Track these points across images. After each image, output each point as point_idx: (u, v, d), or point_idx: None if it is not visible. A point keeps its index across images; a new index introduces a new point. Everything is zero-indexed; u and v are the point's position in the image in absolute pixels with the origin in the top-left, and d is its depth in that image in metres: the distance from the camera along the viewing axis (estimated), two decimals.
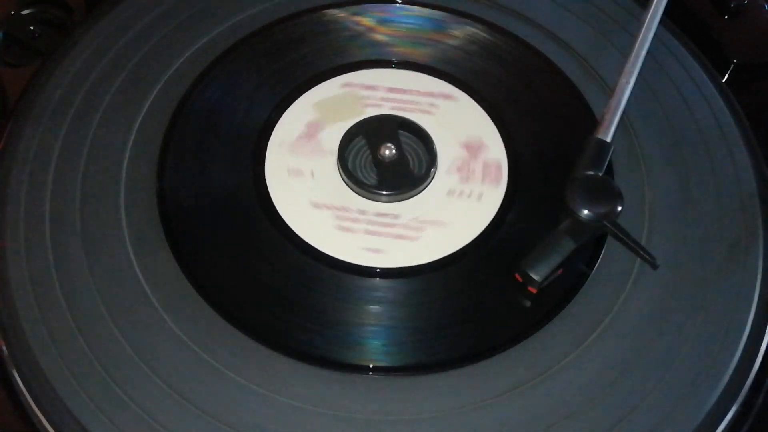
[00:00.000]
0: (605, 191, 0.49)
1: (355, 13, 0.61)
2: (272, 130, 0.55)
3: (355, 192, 0.53)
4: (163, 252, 0.49)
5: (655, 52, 0.58)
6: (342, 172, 0.53)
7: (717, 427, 0.46)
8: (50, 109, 0.55)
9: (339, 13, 0.61)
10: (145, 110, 0.55)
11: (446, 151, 0.55)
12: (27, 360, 0.46)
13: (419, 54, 0.59)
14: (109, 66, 0.57)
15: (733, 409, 0.46)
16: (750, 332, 0.48)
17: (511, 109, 0.57)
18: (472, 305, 0.48)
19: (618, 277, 0.49)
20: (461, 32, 0.60)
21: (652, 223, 0.52)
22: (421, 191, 0.53)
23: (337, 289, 0.49)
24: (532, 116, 0.56)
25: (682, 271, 0.50)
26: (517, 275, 0.48)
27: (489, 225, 0.51)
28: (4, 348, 0.47)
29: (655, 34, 0.57)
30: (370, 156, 0.54)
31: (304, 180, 0.53)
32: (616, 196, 0.48)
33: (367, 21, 0.60)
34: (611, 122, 0.52)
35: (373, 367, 0.46)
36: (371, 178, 0.53)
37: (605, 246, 0.50)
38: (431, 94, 0.57)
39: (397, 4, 0.61)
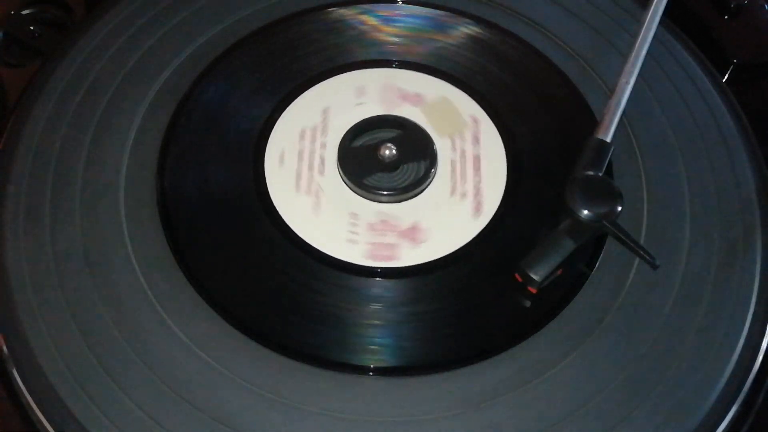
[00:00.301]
0: (605, 191, 0.49)
1: (356, 13, 0.61)
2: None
3: (356, 192, 0.53)
4: (164, 252, 0.49)
5: (655, 52, 0.58)
6: (342, 173, 0.53)
7: (717, 427, 0.46)
8: (50, 109, 0.55)
9: (339, 13, 0.61)
10: (145, 110, 0.55)
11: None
12: (27, 360, 0.46)
13: (419, 54, 0.59)
14: (108, 66, 0.57)
15: (733, 409, 0.46)
16: (750, 332, 0.48)
17: (511, 108, 0.57)
18: (472, 305, 0.48)
19: (618, 277, 0.49)
20: (461, 32, 0.60)
21: (652, 223, 0.52)
22: (420, 191, 0.53)
23: (338, 289, 0.49)
24: (532, 116, 0.56)
25: (682, 271, 0.50)
26: (517, 275, 0.48)
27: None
28: (4, 348, 0.47)
29: (655, 34, 0.57)
30: (371, 156, 0.54)
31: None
32: (616, 197, 0.48)
33: (367, 21, 0.60)
34: (611, 122, 0.52)
35: (373, 367, 0.46)
36: (371, 179, 0.53)
37: (605, 246, 0.50)
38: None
39: (398, 4, 0.61)
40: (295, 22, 0.60)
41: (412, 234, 0.51)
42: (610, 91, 0.55)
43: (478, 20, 0.60)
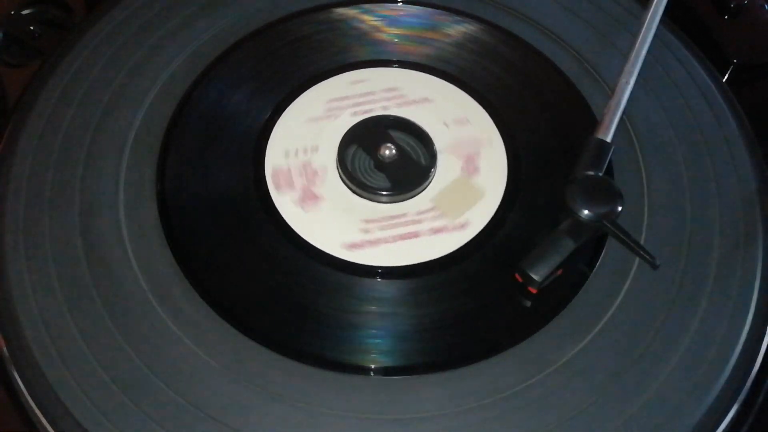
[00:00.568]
0: (605, 191, 0.49)
1: (356, 13, 0.61)
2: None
3: (356, 193, 0.53)
4: (164, 252, 0.49)
5: (655, 52, 0.58)
6: (342, 173, 0.53)
7: (717, 427, 0.46)
8: (50, 109, 0.55)
9: (339, 13, 0.61)
10: (145, 110, 0.55)
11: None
12: (27, 360, 0.46)
13: (419, 53, 0.59)
14: (108, 66, 0.57)
15: (733, 409, 0.46)
16: (750, 332, 0.48)
17: (511, 108, 0.57)
18: (472, 305, 0.48)
19: (618, 277, 0.49)
20: (461, 32, 0.60)
21: (652, 222, 0.52)
22: (420, 192, 0.53)
23: (338, 289, 0.49)
24: (533, 116, 0.56)
25: (682, 271, 0.50)
26: (517, 275, 0.48)
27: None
28: (4, 348, 0.47)
29: (655, 34, 0.57)
30: (371, 156, 0.54)
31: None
32: (616, 197, 0.48)
33: (367, 20, 0.61)
34: (611, 122, 0.52)
35: (373, 367, 0.46)
36: (371, 179, 0.53)
37: (605, 246, 0.50)
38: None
39: (398, 4, 0.61)
40: (295, 22, 0.60)
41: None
42: (610, 90, 0.55)
43: (478, 20, 0.60)
